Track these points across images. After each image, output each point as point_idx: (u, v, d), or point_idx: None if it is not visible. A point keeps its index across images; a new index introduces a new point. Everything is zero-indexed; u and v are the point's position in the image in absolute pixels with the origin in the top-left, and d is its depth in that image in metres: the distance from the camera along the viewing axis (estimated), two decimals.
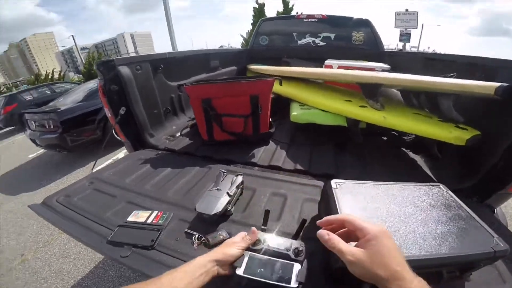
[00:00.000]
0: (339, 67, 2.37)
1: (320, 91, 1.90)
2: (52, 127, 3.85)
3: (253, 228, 0.66)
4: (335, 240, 0.39)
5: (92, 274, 1.94)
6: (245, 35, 15.11)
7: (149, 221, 0.92)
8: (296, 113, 1.69)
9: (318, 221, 0.47)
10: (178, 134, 1.85)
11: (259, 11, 13.35)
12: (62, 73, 20.29)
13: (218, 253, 0.57)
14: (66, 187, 1.24)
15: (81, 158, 4.25)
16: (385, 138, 1.69)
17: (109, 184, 1.24)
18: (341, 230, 0.44)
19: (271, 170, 1.30)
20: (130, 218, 0.95)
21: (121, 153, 4.06)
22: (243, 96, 1.48)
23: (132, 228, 0.90)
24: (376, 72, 1.89)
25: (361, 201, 0.73)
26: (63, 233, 2.29)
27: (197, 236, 0.83)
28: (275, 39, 3.53)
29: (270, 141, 1.61)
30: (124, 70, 1.56)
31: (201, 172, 1.30)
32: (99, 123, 4.12)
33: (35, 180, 3.86)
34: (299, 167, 1.32)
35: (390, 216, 0.67)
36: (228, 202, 0.93)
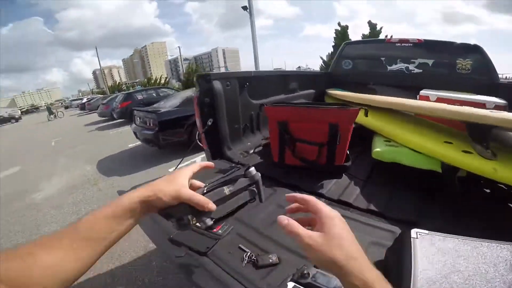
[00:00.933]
0: (438, 99, 2.06)
1: (411, 126, 1.66)
2: (151, 125, 4.64)
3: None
4: (294, 225, 0.36)
5: (137, 262, 2.12)
6: (324, 57, 14.91)
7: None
8: (380, 150, 1.50)
9: (286, 194, 0.44)
10: (252, 151, 1.93)
11: (342, 33, 13.02)
12: (167, 80, 24.46)
13: (156, 190, 0.43)
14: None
15: (166, 155, 4.92)
16: (488, 191, 1.35)
17: None
18: (304, 217, 0.41)
19: (339, 205, 1.22)
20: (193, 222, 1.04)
21: (199, 157, 4.54)
22: (321, 123, 1.42)
23: (194, 231, 0.93)
24: (488, 109, 1.56)
25: (444, 258, 0.60)
26: None
27: (248, 254, 0.83)
28: (360, 64, 3.34)
29: (344, 174, 1.49)
30: (217, 85, 1.75)
31: (265, 192, 1.32)
32: (187, 128, 4.72)
33: (127, 166, 4.69)
34: (372, 207, 1.18)
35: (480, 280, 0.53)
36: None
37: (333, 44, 13.50)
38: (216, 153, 1.90)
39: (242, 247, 0.89)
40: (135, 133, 5.17)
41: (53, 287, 0.32)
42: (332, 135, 1.41)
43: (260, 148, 2.01)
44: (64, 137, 9.36)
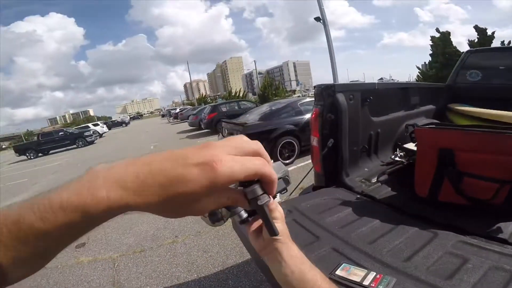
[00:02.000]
0: None
1: None
2: None
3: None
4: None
5: (214, 277, 2.00)
6: (420, 67, 13.21)
7: (365, 282, 0.79)
8: None
9: None
10: (375, 180, 1.58)
11: (442, 41, 11.31)
12: (244, 93, 26.11)
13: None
14: None
15: None
16: None
17: (308, 218, 1.18)
18: None
19: None
20: (339, 272, 0.84)
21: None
22: (509, 156, 1.02)
23: (344, 285, 0.79)
24: None
25: None
26: (213, 228, 2.58)
27: None
28: (494, 75, 2.64)
29: None
30: (341, 98, 1.47)
31: (423, 236, 1.02)
32: (270, 142, 4.64)
33: None
34: None
35: None
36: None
37: (431, 52, 11.99)
38: (329, 178, 1.60)
39: None
40: None
41: None
42: None
43: (386, 176, 1.61)
44: (161, 143, 10.90)
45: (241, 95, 24.62)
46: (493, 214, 1.13)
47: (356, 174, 1.65)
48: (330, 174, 1.59)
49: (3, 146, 49.35)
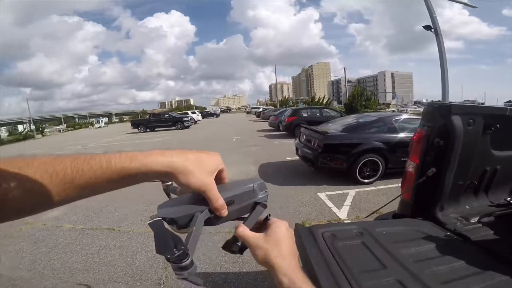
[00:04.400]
0: None
1: None
2: (315, 145, 4.61)
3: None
4: (245, 230, 0.38)
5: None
6: None
7: None
8: None
9: None
10: (476, 220, 1.32)
11: None
12: (328, 100, 25.14)
13: (188, 169, 0.35)
14: (335, 223, 1.23)
15: (316, 178, 4.72)
16: None
17: (380, 245, 1.09)
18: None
19: None
20: None
21: (353, 191, 4.01)
22: None
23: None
24: None
25: None
26: (228, 232, 2.55)
27: None
28: None
29: None
30: (457, 122, 1.25)
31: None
32: (349, 158, 4.31)
33: (280, 177, 4.90)
34: None
35: None
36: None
37: None
38: (419, 209, 1.40)
39: None
40: (296, 148, 5.39)
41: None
42: None
43: (491, 218, 1.31)
44: (242, 136, 11.79)
45: (324, 102, 23.79)
46: None
47: (453, 211, 1.39)
48: (421, 205, 1.39)
49: (124, 119, 68.92)
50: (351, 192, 3.98)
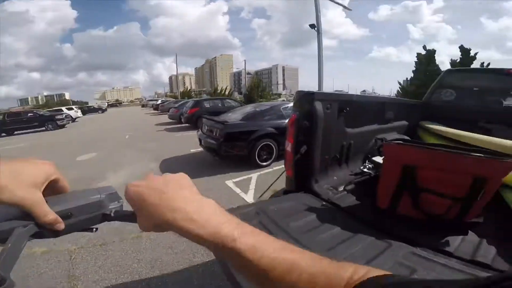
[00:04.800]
0: None
1: None
2: (217, 135, 4.66)
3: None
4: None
5: (178, 275, 1.94)
6: (401, 82, 13.90)
7: None
8: None
9: None
10: (342, 188, 1.62)
11: (427, 58, 11.90)
12: (230, 91, 25.87)
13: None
14: (235, 208, 1.28)
15: (223, 166, 4.86)
16: None
17: (273, 221, 1.20)
18: None
19: (474, 266, 0.98)
20: None
21: (255, 174, 4.34)
22: (463, 175, 1.10)
23: None
24: None
25: None
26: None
27: None
28: (466, 96, 2.74)
29: (469, 231, 1.21)
30: (319, 106, 1.48)
31: (378, 246, 1.07)
32: (249, 143, 4.61)
33: (187, 170, 4.72)
34: None
35: None
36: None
37: (414, 69, 12.49)
38: (299, 184, 1.61)
39: None
40: (200, 139, 5.30)
41: None
42: (475, 190, 1.11)
43: (353, 186, 1.65)
44: (137, 132, 10.47)
45: (226, 93, 24.38)
46: (444, 228, 1.20)
47: (325, 182, 1.67)
48: (301, 180, 1.61)
49: None
50: (254, 176, 4.28)
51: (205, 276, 1.91)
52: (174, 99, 25.88)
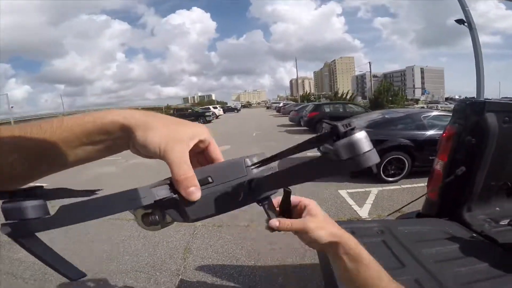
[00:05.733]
0: None
1: None
2: None
3: None
4: (286, 221, 0.38)
5: (266, 270, 1.99)
6: None
7: None
8: None
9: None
10: (505, 222, 1.27)
11: None
12: (352, 96, 24.32)
13: (149, 124, 0.27)
14: (355, 221, 1.24)
15: (338, 175, 4.64)
16: None
17: (400, 244, 1.08)
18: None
19: None
20: None
21: (376, 189, 3.89)
22: None
23: None
24: None
25: None
26: (246, 226, 2.63)
27: None
28: None
29: None
30: (492, 119, 1.19)
31: None
32: None
33: None
34: None
35: None
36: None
37: None
38: (445, 209, 1.36)
39: None
40: None
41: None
42: None
43: None
44: (263, 131, 11.85)
45: (348, 97, 23.05)
46: None
47: (482, 212, 1.34)
48: (447, 205, 1.36)
49: None
50: (374, 190, 3.88)
51: (289, 277, 1.98)
52: (294, 102, 27.13)
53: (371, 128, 4.52)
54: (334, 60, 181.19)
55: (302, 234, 0.38)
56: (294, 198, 0.40)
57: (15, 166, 0.25)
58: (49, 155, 0.26)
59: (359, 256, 0.40)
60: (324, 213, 0.41)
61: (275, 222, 0.37)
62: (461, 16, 9.11)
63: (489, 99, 1.39)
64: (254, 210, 3.16)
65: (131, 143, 0.27)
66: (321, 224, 0.39)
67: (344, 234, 0.39)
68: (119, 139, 0.27)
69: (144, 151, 0.27)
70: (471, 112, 1.23)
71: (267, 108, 47.69)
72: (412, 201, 1.54)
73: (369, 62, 37.30)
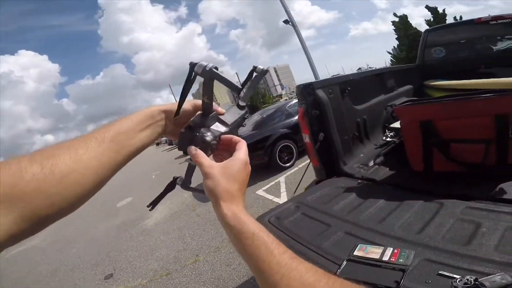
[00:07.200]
0: None
1: None
2: None
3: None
4: (200, 155, 0.40)
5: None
6: (391, 51, 13.72)
7: (385, 258, 0.82)
8: None
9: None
10: (372, 163, 1.66)
11: (403, 24, 12.23)
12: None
13: (174, 104, 0.45)
14: (274, 207, 1.35)
15: (249, 180, 4.91)
16: None
17: (316, 210, 1.24)
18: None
19: None
20: (357, 253, 0.88)
21: (282, 177, 4.40)
22: (484, 117, 1.12)
23: (364, 264, 0.82)
24: None
25: None
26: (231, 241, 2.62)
27: (459, 279, 0.65)
28: (456, 49, 2.85)
29: None
30: (321, 94, 1.58)
31: (430, 208, 1.05)
32: (266, 150, 4.70)
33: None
34: None
35: None
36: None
37: (396, 36, 12.85)
38: (330, 171, 1.70)
39: (444, 273, 0.73)
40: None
41: (68, 197, 0.30)
42: (502, 128, 1.11)
43: (381, 158, 1.70)
44: (162, 170, 10.87)
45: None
46: (491, 176, 1.13)
47: (354, 161, 1.73)
48: (329, 166, 1.68)
49: None
50: (282, 178, 4.37)
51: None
52: None
53: (256, 129, 5.03)
54: None
55: None
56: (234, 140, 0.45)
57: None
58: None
59: (238, 229, 0.35)
60: (239, 163, 0.40)
61: (192, 149, 0.41)
62: (286, 17, 10.80)
63: (321, 80, 1.83)
64: (193, 245, 3.01)
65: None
66: (217, 176, 0.37)
67: (224, 199, 0.36)
68: (161, 120, 0.43)
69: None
70: (306, 93, 1.59)
71: (157, 144, 44.13)
72: (303, 175, 1.83)
73: (236, 73, 41.96)
